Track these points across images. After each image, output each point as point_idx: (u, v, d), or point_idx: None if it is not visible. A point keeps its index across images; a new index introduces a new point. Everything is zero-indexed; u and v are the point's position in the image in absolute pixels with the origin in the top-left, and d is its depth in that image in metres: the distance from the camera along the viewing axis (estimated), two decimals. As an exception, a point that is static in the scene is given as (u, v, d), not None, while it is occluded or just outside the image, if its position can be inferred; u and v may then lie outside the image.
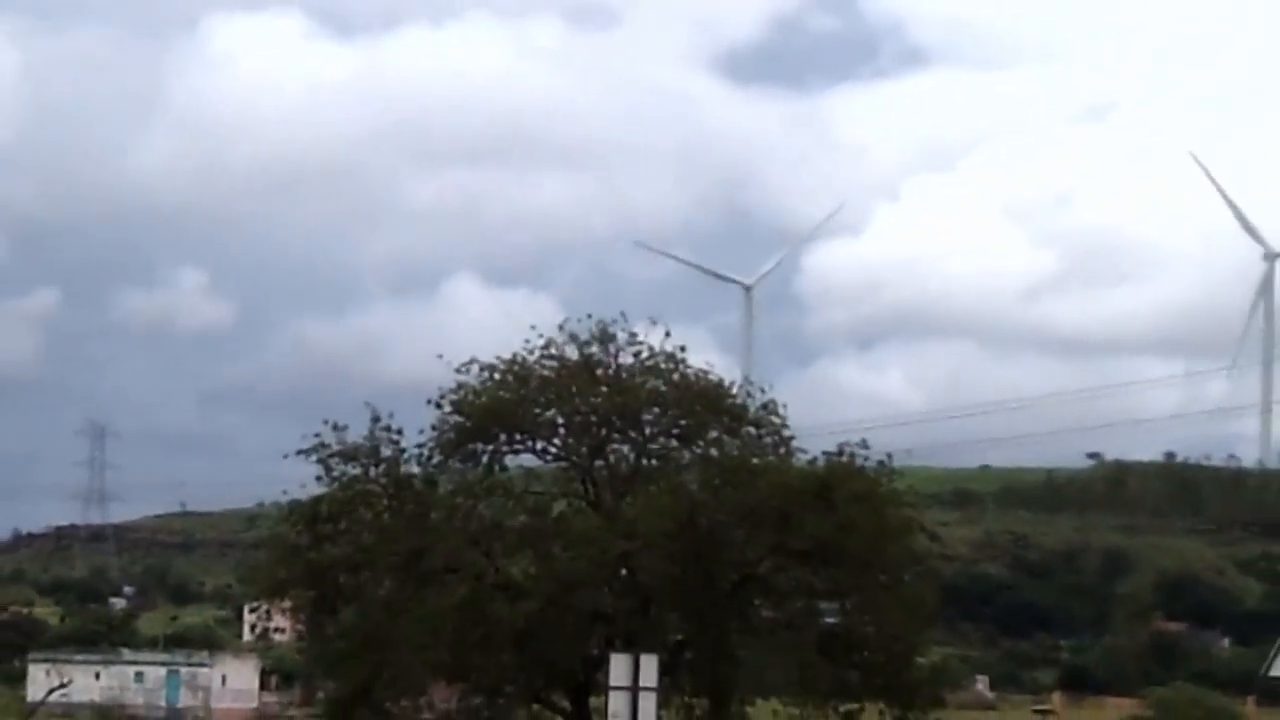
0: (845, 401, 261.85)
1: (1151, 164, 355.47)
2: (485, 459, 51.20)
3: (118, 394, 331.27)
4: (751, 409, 51.58)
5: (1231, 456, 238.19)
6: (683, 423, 51.03)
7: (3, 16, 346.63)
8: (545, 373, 50.30)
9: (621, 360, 50.73)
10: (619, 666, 35.62)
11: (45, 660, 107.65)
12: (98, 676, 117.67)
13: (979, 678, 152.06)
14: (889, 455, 51.12)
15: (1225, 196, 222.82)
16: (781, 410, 51.69)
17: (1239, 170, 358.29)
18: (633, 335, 50.95)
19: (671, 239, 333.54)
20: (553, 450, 52.01)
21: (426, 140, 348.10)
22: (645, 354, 50.84)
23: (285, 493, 54.24)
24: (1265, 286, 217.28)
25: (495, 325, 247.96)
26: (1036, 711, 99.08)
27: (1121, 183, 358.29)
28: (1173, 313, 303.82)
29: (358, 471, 49.79)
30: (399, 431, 50.06)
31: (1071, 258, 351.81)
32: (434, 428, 50.10)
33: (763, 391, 52.96)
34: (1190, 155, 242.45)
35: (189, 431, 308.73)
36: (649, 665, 35.81)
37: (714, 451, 50.63)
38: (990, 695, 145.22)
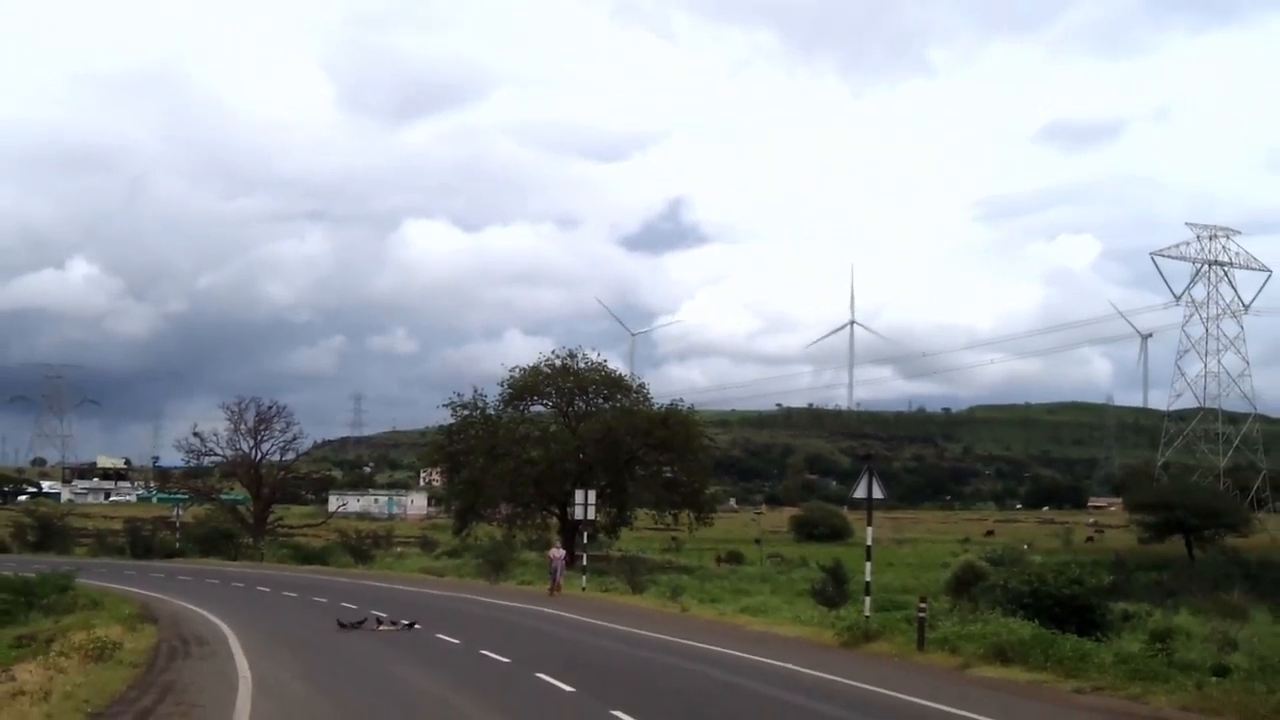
0: (672, 384, 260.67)
1: (798, 283, 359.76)
2: (522, 408, 50.32)
3: (367, 381, 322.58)
4: (634, 386, 50.76)
5: (837, 405, 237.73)
6: (605, 392, 50.05)
7: (322, 223, 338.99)
8: (547, 370, 49.26)
9: (580, 365, 49.48)
10: (579, 495, 34.67)
11: (335, 494, 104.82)
12: (358, 501, 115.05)
13: (731, 499, 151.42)
14: (692, 405, 51.08)
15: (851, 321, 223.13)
16: (647, 386, 50.62)
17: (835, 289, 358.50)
18: (585, 355, 49.96)
19: (600, 316, 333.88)
20: (550, 403, 50.76)
21: (496, 274, 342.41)
22: (590, 363, 49.88)
23: (438, 423, 53.34)
24: (850, 334, 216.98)
25: (526, 351, 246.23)
26: (755, 513, 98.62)
27: (787, 292, 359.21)
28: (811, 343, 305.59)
29: (468, 413, 48.29)
30: (485, 396, 48.79)
31: (769, 322, 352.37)
32: (500, 395, 48.98)
33: (638, 379, 52.33)
34: (815, 282, 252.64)
35: (396, 397, 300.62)
36: (591, 495, 34.56)
37: (618, 404, 49.66)
38: (737, 507, 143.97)
